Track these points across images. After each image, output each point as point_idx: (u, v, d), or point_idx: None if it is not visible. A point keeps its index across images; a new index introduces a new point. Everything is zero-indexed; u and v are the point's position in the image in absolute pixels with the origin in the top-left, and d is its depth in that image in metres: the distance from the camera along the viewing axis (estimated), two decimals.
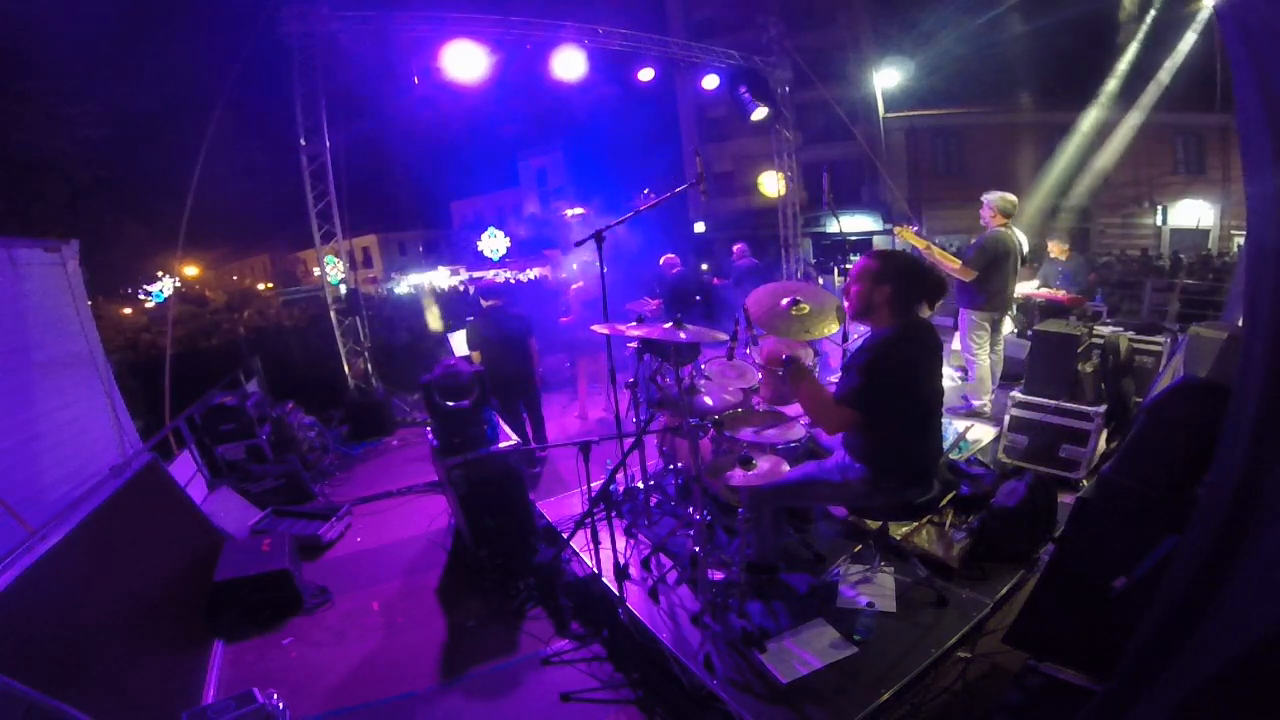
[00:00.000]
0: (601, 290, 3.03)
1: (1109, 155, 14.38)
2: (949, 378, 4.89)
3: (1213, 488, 1.31)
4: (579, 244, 3.10)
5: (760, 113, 8.55)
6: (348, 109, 7.07)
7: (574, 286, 6.02)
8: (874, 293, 2.33)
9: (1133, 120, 13.57)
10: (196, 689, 2.82)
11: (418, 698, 2.77)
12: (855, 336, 3.47)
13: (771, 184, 10.80)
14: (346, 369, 7.09)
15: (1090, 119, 14.08)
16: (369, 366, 7.26)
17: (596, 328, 2.81)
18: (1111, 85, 13.54)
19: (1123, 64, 13.19)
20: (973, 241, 4.56)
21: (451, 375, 3.65)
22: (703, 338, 2.68)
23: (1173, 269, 12.57)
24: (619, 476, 3.10)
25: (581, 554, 3.27)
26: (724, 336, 2.79)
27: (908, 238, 4.61)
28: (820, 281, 10.09)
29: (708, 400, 3.20)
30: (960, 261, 4.47)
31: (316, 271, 7.79)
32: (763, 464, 2.67)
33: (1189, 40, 11.76)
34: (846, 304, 2.53)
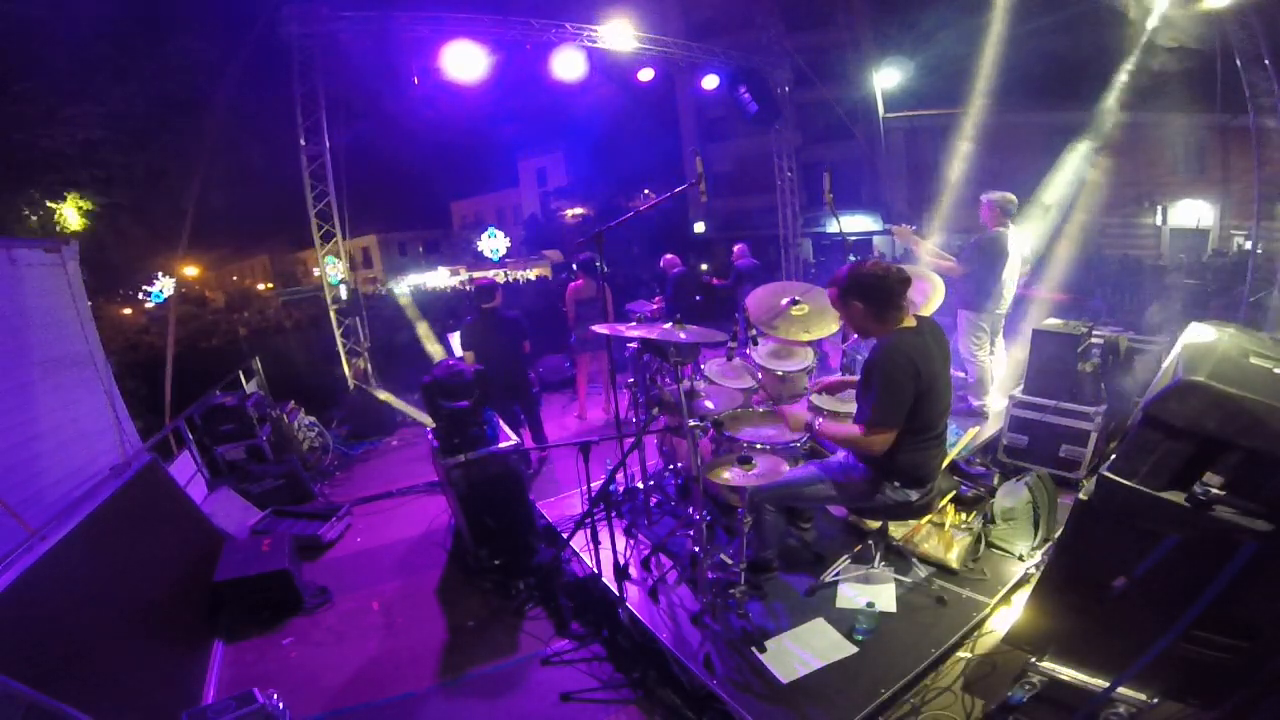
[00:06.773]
0: (601, 291, 3.04)
1: (1109, 154, 14.32)
2: None
3: None
4: (579, 244, 3.11)
5: (760, 114, 8.54)
6: (348, 109, 7.07)
7: (571, 285, 5.97)
8: (853, 313, 2.40)
9: (1132, 120, 13.52)
10: (196, 689, 2.82)
11: (417, 698, 2.77)
12: (855, 338, 3.47)
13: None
14: (346, 369, 7.09)
15: (1090, 119, 14.03)
16: (369, 367, 7.27)
17: (597, 328, 2.82)
18: (1112, 85, 13.50)
19: (1123, 64, 13.16)
20: (970, 240, 4.56)
21: (455, 374, 3.64)
22: (702, 338, 2.68)
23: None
24: (619, 476, 3.10)
25: (581, 554, 3.26)
26: (723, 337, 2.79)
27: (905, 237, 4.60)
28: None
29: (708, 403, 3.20)
30: (954, 260, 4.47)
31: (316, 272, 7.79)
32: (762, 464, 2.66)
33: (1190, 40, 11.73)
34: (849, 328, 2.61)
